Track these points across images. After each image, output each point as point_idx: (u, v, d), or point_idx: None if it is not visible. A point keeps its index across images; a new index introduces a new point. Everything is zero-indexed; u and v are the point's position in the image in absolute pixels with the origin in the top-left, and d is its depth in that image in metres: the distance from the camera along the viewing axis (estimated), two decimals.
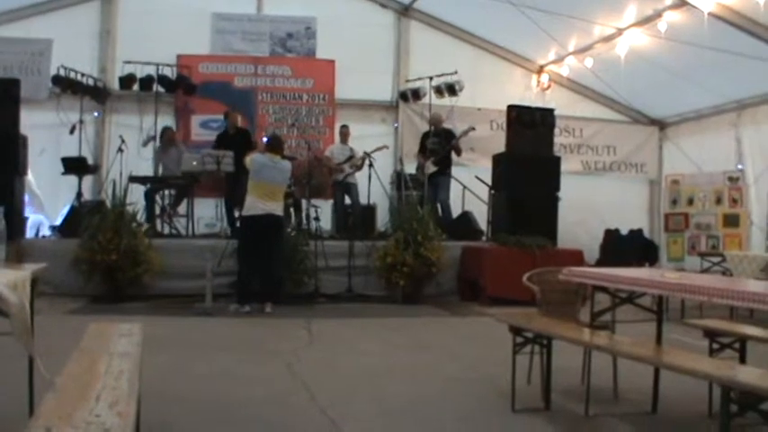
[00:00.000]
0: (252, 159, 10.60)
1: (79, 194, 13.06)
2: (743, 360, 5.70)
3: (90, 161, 13.92)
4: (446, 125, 14.75)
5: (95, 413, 2.91)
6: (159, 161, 13.87)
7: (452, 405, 5.87)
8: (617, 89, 15.94)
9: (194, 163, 12.99)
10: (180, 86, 15.02)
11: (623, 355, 5.30)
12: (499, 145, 13.98)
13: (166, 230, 13.34)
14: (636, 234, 15.97)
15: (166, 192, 13.77)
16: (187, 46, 15.22)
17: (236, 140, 13.18)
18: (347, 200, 14.34)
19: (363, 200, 14.09)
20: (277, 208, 10.62)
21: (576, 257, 12.30)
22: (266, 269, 10.62)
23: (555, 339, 5.75)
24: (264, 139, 11.73)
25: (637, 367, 5.45)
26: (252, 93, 15.75)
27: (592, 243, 15.44)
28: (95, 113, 15.01)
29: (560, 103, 15.94)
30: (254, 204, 10.44)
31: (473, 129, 14.37)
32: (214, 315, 10.24)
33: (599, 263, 14.87)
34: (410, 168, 14.83)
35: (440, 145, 14.28)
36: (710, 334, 5.87)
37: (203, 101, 15.42)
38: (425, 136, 14.69)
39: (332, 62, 15.86)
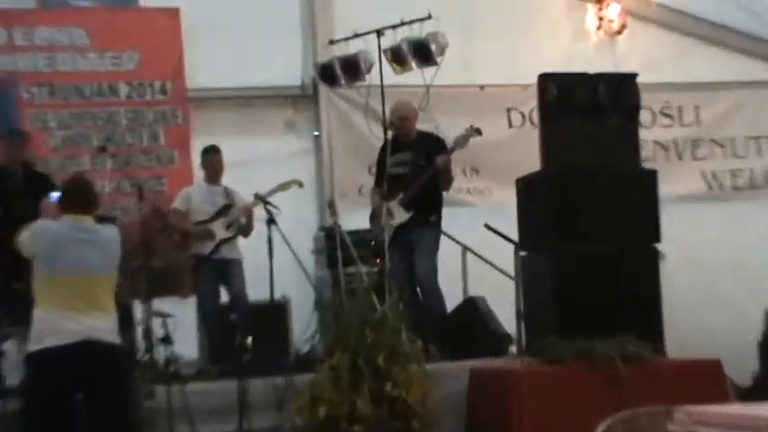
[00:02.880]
0: (33, 234, 6.04)
1: None
2: None
3: None
4: (423, 125, 9.26)
5: None
6: None
7: None
8: None
9: None
10: None
11: None
12: (527, 156, 8.85)
13: None
14: None
15: None
16: None
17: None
18: (223, 293, 9.31)
19: (260, 292, 8.99)
20: (103, 325, 6.01)
21: (709, 375, 7.96)
22: None
23: None
24: (53, 194, 7.12)
25: None
26: (6, 84, 8.97)
27: (738, 339, 9.66)
28: None
29: (650, 59, 10.32)
30: (53, 324, 5.86)
31: (477, 131, 8.99)
32: None
33: (759, 382, 9.57)
34: (352, 220, 9.81)
35: (413, 166, 9.00)
36: None
37: None
38: (383, 151, 9.27)
39: (174, 13, 9.30)
